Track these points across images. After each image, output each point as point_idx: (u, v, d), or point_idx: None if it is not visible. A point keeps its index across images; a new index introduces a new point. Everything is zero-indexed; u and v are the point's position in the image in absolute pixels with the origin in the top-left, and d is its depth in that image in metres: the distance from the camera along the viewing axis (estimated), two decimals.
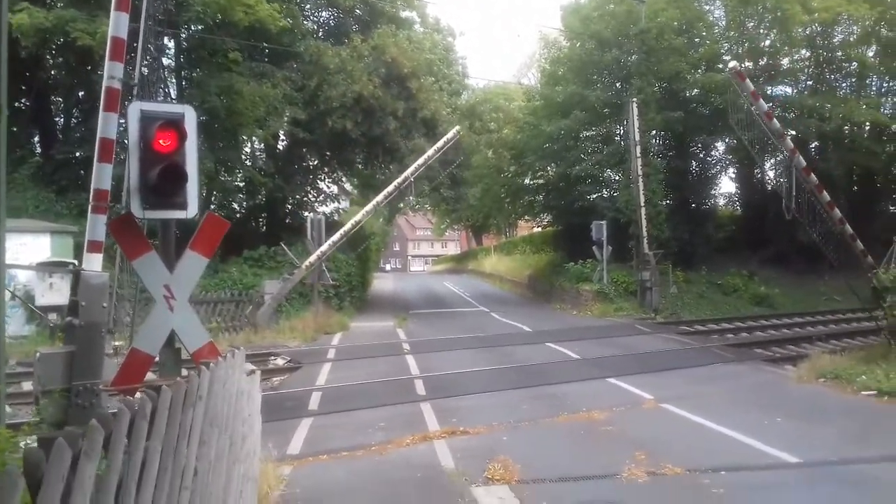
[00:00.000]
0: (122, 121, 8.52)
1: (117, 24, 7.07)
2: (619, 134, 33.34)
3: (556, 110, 31.95)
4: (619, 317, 25.38)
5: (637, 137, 26.64)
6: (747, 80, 17.63)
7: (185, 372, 5.91)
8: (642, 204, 26.43)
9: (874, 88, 35.26)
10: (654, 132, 28.96)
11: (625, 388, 12.70)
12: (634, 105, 26.72)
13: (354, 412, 11.25)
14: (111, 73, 7.12)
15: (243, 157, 28.65)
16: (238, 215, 28.74)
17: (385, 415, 10.98)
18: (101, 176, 7.05)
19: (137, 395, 5.17)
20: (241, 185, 27.98)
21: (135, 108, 5.66)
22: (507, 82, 49.74)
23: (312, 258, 22.34)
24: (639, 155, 26.56)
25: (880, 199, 37.70)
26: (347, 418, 10.89)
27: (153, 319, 5.87)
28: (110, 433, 2.39)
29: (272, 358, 16.73)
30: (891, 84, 34.62)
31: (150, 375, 6.07)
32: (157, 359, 5.93)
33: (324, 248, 22.76)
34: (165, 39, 25.77)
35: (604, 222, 27.80)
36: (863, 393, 11.84)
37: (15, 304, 16.90)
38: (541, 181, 37.48)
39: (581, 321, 24.75)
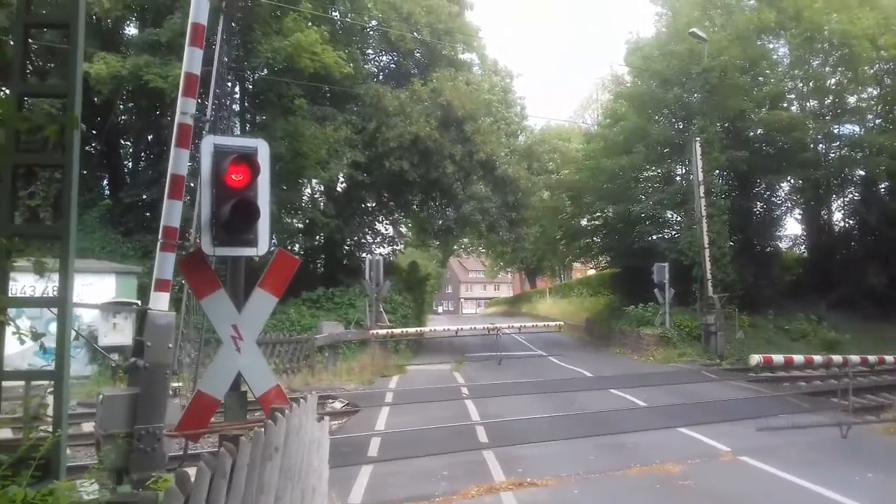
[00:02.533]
0: (191, 163, 8.39)
1: (191, 59, 7.04)
2: (681, 174, 32.75)
3: (617, 149, 31.57)
4: (682, 362, 24.51)
5: (701, 177, 26.00)
6: None
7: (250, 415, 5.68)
8: (706, 245, 25.64)
9: None
10: (717, 172, 28.19)
11: (697, 439, 12.04)
12: (697, 144, 26.13)
13: (415, 459, 10.86)
14: (184, 108, 7.07)
15: (304, 198, 28.93)
16: (298, 256, 28.83)
17: (447, 463, 10.57)
18: (171, 213, 6.94)
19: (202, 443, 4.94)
20: (301, 226, 28.19)
21: (208, 142, 5.54)
22: (566, 122, 49.76)
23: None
24: (702, 195, 25.87)
25: None
26: (408, 466, 10.51)
27: (220, 361, 5.65)
28: (188, 496, 2.10)
29: (330, 401, 16.48)
30: None
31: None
32: (222, 402, 5.72)
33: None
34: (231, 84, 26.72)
35: (666, 264, 27.06)
36: None
37: (79, 343, 17.06)
38: (598, 222, 36.97)
39: (643, 366, 23.95)
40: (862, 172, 33.03)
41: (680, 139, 30.10)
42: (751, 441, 11.32)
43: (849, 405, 11.28)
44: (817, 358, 12.34)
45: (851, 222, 35.27)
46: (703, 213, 25.77)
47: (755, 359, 11.70)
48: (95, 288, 17.74)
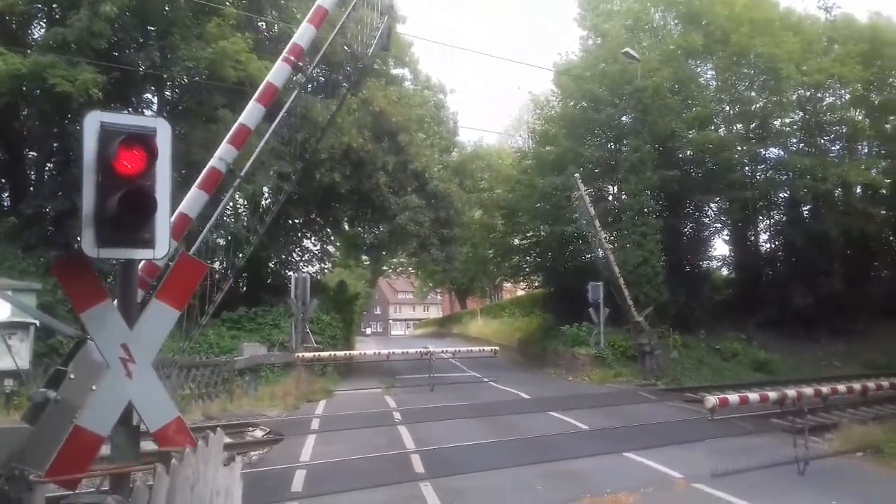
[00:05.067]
0: None
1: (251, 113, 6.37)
2: (613, 193, 32.75)
3: (549, 168, 31.31)
4: (618, 383, 24.16)
5: (592, 211, 26.36)
6: None
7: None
8: (619, 274, 25.58)
9: (864, 151, 35.11)
10: (648, 192, 28.13)
11: (647, 465, 11.41)
12: (580, 181, 26.83)
13: (345, 494, 9.83)
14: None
15: (227, 212, 27.48)
16: (217, 275, 27.34)
17: (381, 498, 9.63)
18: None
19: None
20: (222, 242, 26.68)
21: (93, 119, 4.44)
22: (498, 136, 49.50)
23: None
24: (599, 227, 26.39)
25: (874, 262, 37.15)
26: (337, 501, 9.48)
27: (104, 389, 4.52)
28: None
29: (250, 429, 15.22)
30: (881, 148, 34.41)
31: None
32: (107, 439, 4.61)
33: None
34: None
35: (601, 283, 26.74)
36: None
37: None
38: (532, 240, 36.60)
39: (580, 387, 23.42)
40: (786, 194, 33.71)
41: (613, 159, 30.03)
42: (701, 467, 10.70)
43: (805, 442, 10.78)
44: (772, 395, 11.90)
45: (777, 243, 35.99)
46: (604, 244, 26.38)
47: (711, 401, 11.16)
48: None
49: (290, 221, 29.14)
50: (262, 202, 28.01)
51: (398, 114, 26.59)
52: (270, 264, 29.77)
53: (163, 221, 4.55)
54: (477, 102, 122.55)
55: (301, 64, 10.40)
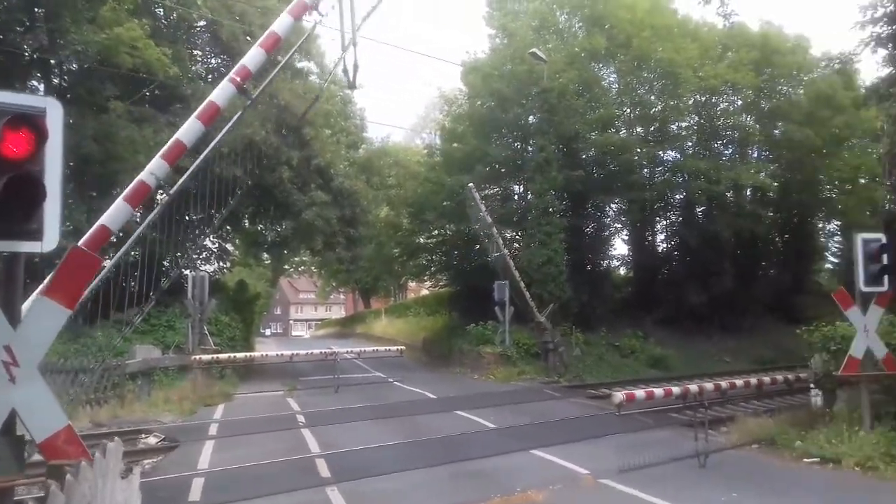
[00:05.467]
0: None
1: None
2: (519, 193, 33.12)
3: (457, 166, 31.33)
4: (523, 381, 24.38)
5: (489, 219, 26.86)
6: None
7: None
8: (518, 278, 26.08)
9: (755, 155, 36.96)
10: (553, 192, 28.55)
11: (554, 462, 11.47)
12: (473, 190, 27.39)
13: (247, 502, 9.41)
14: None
15: None
16: (108, 274, 25.90)
17: None
18: None
19: None
20: (113, 239, 25.28)
21: None
22: (405, 132, 49.17)
23: None
24: (497, 233, 26.81)
25: (762, 262, 39.17)
26: None
27: None
28: None
29: (143, 436, 14.40)
30: (770, 152, 36.34)
31: None
32: None
33: None
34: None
35: (506, 282, 26.94)
36: (805, 460, 11.12)
37: None
38: (438, 239, 36.54)
39: (486, 386, 23.51)
40: (682, 196, 35.04)
41: (519, 158, 30.36)
42: (607, 462, 10.86)
43: (705, 436, 11.12)
44: (675, 389, 12.28)
45: (673, 243, 37.37)
46: (503, 250, 26.61)
47: (618, 397, 11.34)
48: None
49: (187, 217, 27.95)
50: (157, 197, 26.83)
51: (305, 106, 25.96)
52: (165, 262, 28.44)
53: (53, 211, 4.14)
54: (386, 98, 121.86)
55: (246, 86, 10.46)
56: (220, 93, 9.92)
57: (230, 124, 12.14)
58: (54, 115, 4.27)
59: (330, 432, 14.75)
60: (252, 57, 10.31)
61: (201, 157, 12.01)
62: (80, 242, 8.34)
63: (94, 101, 21.90)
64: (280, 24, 11.10)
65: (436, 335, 35.82)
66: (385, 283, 63.83)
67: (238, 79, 10.07)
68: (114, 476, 3.00)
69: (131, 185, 9.25)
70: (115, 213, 8.83)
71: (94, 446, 4.03)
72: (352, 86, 14.54)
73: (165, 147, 9.49)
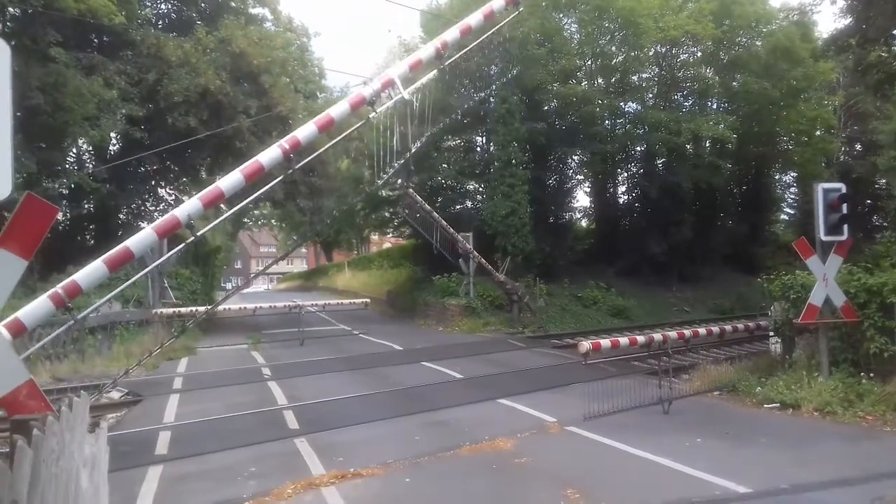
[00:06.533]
0: None
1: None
2: (481, 144, 32.83)
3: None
4: (488, 332, 24.56)
5: (428, 207, 26.71)
6: None
7: None
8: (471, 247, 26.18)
9: (714, 107, 37.08)
10: (515, 144, 28.30)
11: (521, 410, 11.63)
12: (413, 193, 27.22)
13: (215, 455, 9.36)
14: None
15: (70, 159, 25.33)
16: (62, 227, 25.20)
17: (254, 456, 9.19)
18: None
19: None
20: (66, 192, 24.53)
21: None
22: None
23: None
24: (443, 226, 26.48)
25: (721, 213, 39.67)
26: (207, 464, 8.99)
27: None
28: None
29: (107, 390, 14.15)
30: (729, 104, 36.50)
31: None
32: None
33: None
34: None
35: (470, 234, 26.88)
36: (765, 406, 11.37)
37: None
38: (400, 192, 36.14)
39: (451, 337, 23.61)
40: (643, 148, 35.10)
41: (481, 110, 30.00)
42: (573, 410, 10.95)
43: (669, 384, 11.31)
44: (640, 338, 12.43)
45: (634, 195, 37.57)
46: (459, 238, 26.41)
47: (585, 346, 11.47)
48: None
49: (141, 169, 27.21)
50: (110, 148, 26.06)
51: (259, 55, 25.18)
52: (121, 215, 27.76)
53: (4, 157, 3.87)
54: (344, 46, 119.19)
55: (292, 156, 11.00)
56: (267, 155, 10.73)
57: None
58: (1, 56, 3.98)
59: (297, 384, 14.75)
60: (304, 131, 11.14)
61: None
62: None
63: (39, 49, 20.98)
64: (337, 109, 11.89)
65: (400, 288, 35.78)
66: (347, 236, 63.31)
67: (287, 146, 10.83)
68: (81, 430, 2.86)
69: (164, 218, 10.00)
70: (141, 238, 9.70)
71: (57, 401, 3.86)
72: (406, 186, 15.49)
73: (204, 191, 10.40)
